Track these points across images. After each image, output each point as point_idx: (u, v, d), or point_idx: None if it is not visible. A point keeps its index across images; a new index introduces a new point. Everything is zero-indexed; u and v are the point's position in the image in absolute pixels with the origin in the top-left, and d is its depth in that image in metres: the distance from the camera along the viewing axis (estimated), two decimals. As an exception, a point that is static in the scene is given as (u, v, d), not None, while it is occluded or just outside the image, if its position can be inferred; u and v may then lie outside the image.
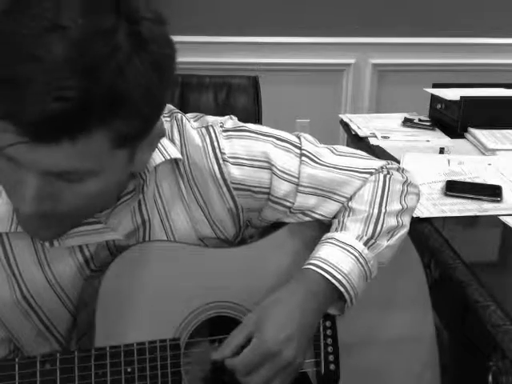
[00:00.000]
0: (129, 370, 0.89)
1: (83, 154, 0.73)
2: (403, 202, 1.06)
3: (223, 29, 3.04)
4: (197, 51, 2.91)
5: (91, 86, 0.69)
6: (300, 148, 1.02)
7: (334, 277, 0.96)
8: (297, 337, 0.93)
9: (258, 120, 1.80)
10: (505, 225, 1.44)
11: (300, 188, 1.01)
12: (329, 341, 1.05)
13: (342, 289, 0.96)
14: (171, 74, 0.80)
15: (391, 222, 1.03)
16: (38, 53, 0.68)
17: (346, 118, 2.20)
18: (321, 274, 0.96)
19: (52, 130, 0.69)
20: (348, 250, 0.98)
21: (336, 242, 0.99)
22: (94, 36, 0.70)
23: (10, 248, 0.92)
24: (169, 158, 0.94)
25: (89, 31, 0.70)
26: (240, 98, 1.82)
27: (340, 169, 1.04)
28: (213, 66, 2.93)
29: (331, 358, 1.04)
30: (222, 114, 1.06)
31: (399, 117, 2.18)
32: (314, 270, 0.97)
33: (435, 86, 2.22)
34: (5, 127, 0.70)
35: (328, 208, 1.04)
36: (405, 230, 1.06)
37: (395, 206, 1.05)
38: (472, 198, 1.55)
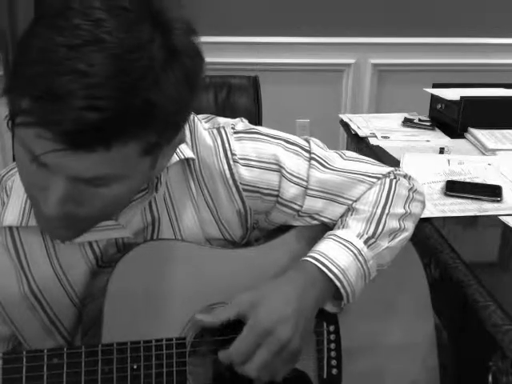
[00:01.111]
0: (135, 366, 0.89)
1: (116, 161, 0.74)
2: (407, 207, 1.06)
3: (223, 29, 3.04)
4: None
5: (128, 97, 0.70)
6: (309, 152, 1.03)
7: (329, 270, 0.96)
8: (292, 319, 0.92)
9: (258, 120, 1.80)
10: (505, 225, 1.44)
11: (309, 191, 1.02)
12: (332, 345, 1.05)
13: (337, 283, 0.96)
14: (200, 84, 0.81)
15: (393, 224, 1.03)
16: (78, 66, 0.68)
17: (346, 118, 2.20)
18: (317, 267, 0.96)
19: (87, 139, 0.70)
20: (347, 247, 0.98)
21: (336, 238, 0.99)
22: (132, 49, 0.70)
23: (20, 242, 0.94)
24: (183, 157, 0.96)
25: (127, 46, 0.70)
26: (240, 98, 1.82)
27: (348, 173, 1.05)
28: (213, 66, 2.93)
29: (334, 362, 1.04)
30: (222, 114, 1.06)
31: (399, 117, 2.18)
32: (311, 262, 0.97)
33: (435, 85, 2.22)
34: (42, 134, 0.71)
35: (335, 211, 1.05)
36: (406, 234, 1.06)
37: (398, 210, 1.05)
38: (472, 198, 1.55)
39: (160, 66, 0.72)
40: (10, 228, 0.93)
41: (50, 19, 0.72)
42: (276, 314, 0.92)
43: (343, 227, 1.02)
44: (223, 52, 3.04)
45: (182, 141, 0.89)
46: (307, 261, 0.98)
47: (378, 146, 1.94)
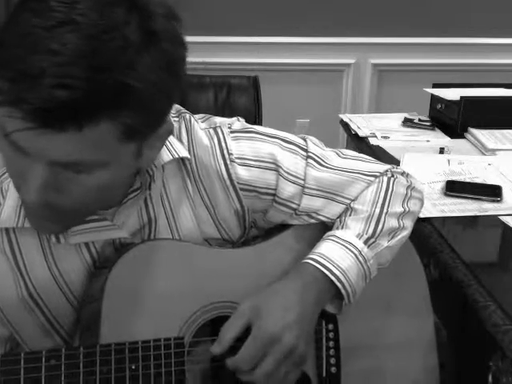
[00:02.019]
0: (133, 367, 0.89)
1: (90, 144, 0.74)
2: (405, 205, 1.06)
3: (223, 29, 3.04)
4: (197, 51, 2.91)
5: (99, 77, 0.70)
6: (306, 150, 1.03)
7: (331, 272, 0.96)
8: (296, 325, 0.92)
9: (258, 120, 1.80)
10: (505, 225, 1.44)
11: (306, 190, 1.02)
12: (331, 343, 1.04)
13: (338, 284, 0.96)
14: (181, 71, 0.80)
15: (392, 222, 1.03)
16: (50, 46, 0.69)
17: (346, 117, 2.20)
18: (318, 269, 0.96)
19: (58, 117, 0.70)
20: (347, 247, 0.98)
21: (336, 239, 0.99)
22: (105, 30, 0.71)
23: (17, 243, 0.93)
24: (177, 156, 0.95)
25: (101, 26, 0.71)
26: (240, 98, 1.82)
27: (345, 171, 1.05)
28: (213, 66, 2.93)
29: (333, 360, 1.04)
30: (222, 114, 1.06)
31: (399, 117, 2.18)
32: (311, 264, 0.97)
33: (435, 85, 2.22)
34: (13, 113, 0.71)
35: (333, 210, 1.04)
36: (406, 233, 1.06)
37: (397, 208, 1.05)
38: (472, 198, 1.55)
39: (135, 48, 0.72)
40: (7, 229, 0.92)
41: (28, 3, 0.73)
42: (280, 321, 0.92)
43: (342, 228, 1.01)
44: (223, 52, 3.04)
45: (170, 133, 0.88)
46: (308, 263, 0.98)
47: (377, 146, 1.94)
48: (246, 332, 0.93)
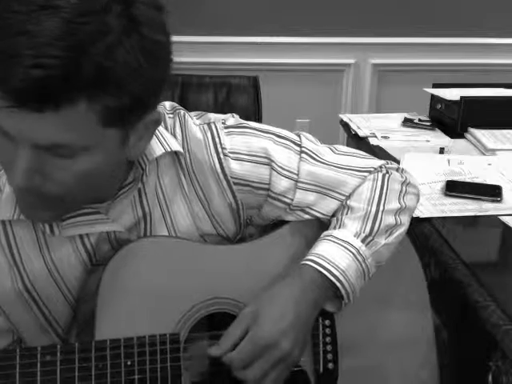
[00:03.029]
0: (129, 362, 0.89)
1: (69, 126, 0.75)
2: (402, 201, 1.06)
3: (223, 29, 3.04)
4: (197, 51, 2.91)
5: (75, 58, 0.71)
6: (300, 145, 1.04)
7: (330, 272, 0.97)
8: (293, 330, 0.93)
9: (258, 120, 1.80)
10: (505, 225, 1.44)
11: (299, 184, 1.02)
12: (328, 339, 1.05)
13: (338, 284, 0.97)
14: (164, 59, 0.82)
15: (389, 220, 1.03)
16: (28, 28, 0.71)
17: (346, 117, 2.20)
18: (317, 270, 0.97)
19: (35, 97, 0.72)
20: (345, 247, 0.99)
21: (333, 239, 0.99)
22: (85, 16, 0.73)
23: (13, 236, 0.94)
24: (169, 150, 0.96)
25: (80, 11, 0.72)
26: (240, 98, 1.82)
27: (339, 167, 1.05)
28: (213, 66, 2.93)
29: (330, 356, 1.05)
30: (222, 114, 1.06)
31: (399, 117, 2.18)
32: (310, 266, 0.97)
33: (435, 85, 2.22)
34: None
35: (327, 206, 1.05)
36: (403, 229, 1.06)
37: (393, 205, 1.05)
38: (472, 198, 1.55)
39: (116, 34, 0.74)
40: (3, 222, 0.93)
41: None
42: (276, 328, 0.93)
43: (339, 227, 1.02)
44: (223, 52, 3.04)
45: (158, 123, 0.88)
46: (306, 264, 0.98)
47: (378, 146, 1.94)
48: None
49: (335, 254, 0.98)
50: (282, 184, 1.01)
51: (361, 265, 0.99)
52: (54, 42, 0.71)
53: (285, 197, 1.02)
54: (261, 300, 0.96)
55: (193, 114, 1.04)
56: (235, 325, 0.95)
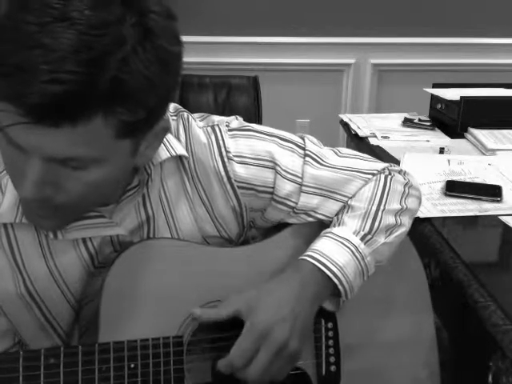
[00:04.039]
0: (132, 365, 0.89)
1: (85, 140, 0.74)
2: (403, 202, 1.06)
3: (223, 29, 3.04)
4: (197, 51, 2.91)
5: (93, 72, 0.70)
6: (304, 149, 1.03)
7: (328, 268, 0.96)
8: (290, 320, 0.92)
9: (258, 120, 1.80)
10: (505, 225, 1.44)
11: (303, 188, 1.02)
12: (330, 342, 1.05)
13: (335, 280, 0.97)
14: (177, 68, 0.81)
15: (389, 219, 1.03)
16: (45, 41, 0.70)
17: (346, 117, 2.20)
18: (315, 265, 0.97)
19: (52, 113, 0.71)
20: (344, 244, 0.98)
21: (332, 236, 0.99)
22: (100, 28, 0.71)
23: (15, 239, 0.93)
24: (174, 154, 0.95)
25: (95, 22, 0.71)
26: (240, 98, 1.82)
27: (343, 170, 1.05)
28: (213, 66, 2.93)
29: (332, 359, 1.04)
30: (222, 114, 1.06)
31: (399, 117, 2.18)
32: (308, 261, 0.97)
33: (435, 85, 2.22)
34: (7, 108, 0.71)
35: (330, 208, 1.05)
36: (403, 230, 1.06)
37: (394, 206, 1.05)
38: (472, 198, 1.55)
39: (130, 45, 0.73)
40: (5, 225, 0.93)
41: (23, 0, 0.73)
42: (272, 315, 0.92)
43: (339, 225, 1.02)
44: (223, 52, 3.04)
45: (167, 130, 0.88)
46: (304, 260, 0.98)
47: (377, 146, 1.94)
48: (237, 324, 0.93)
49: (333, 250, 0.98)
50: (286, 188, 1.01)
51: (359, 262, 0.99)
52: (70, 56, 0.69)
53: (289, 200, 1.02)
54: (258, 291, 0.95)
55: (196, 115, 1.03)
56: (224, 306, 0.94)
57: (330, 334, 1.05)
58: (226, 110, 1.79)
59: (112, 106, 0.73)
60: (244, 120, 1.06)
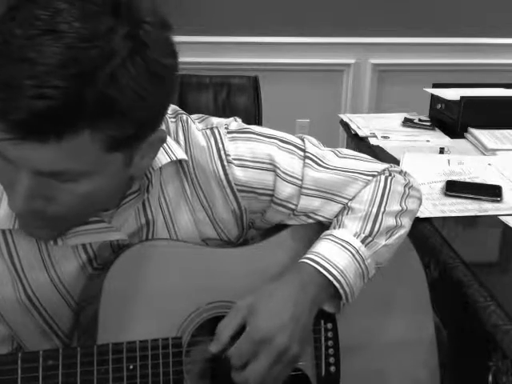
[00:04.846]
0: (131, 367, 0.89)
1: (72, 154, 0.73)
2: (403, 203, 1.06)
3: (223, 29, 3.04)
4: (197, 51, 2.91)
5: (80, 87, 0.69)
6: (304, 151, 1.03)
7: (328, 271, 0.96)
8: (290, 326, 0.92)
9: (258, 120, 1.80)
10: (505, 225, 1.44)
11: (303, 190, 1.02)
12: (330, 343, 1.04)
13: (336, 284, 0.96)
14: (171, 81, 0.79)
15: (390, 221, 1.03)
16: (30, 55, 0.68)
17: (346, 117, 2.20)
18: (315, 268, 0.96)
19: (38, 129, 0.70)
20: (344, 246, 0.98)
21: (333, 239, 0.99)
22: (89, 40, 0.70)
23: (14, 246, 0.93)
24: (174, 158, 0.94)
25: (83, 35, 0.70)
26: (240, 98, 1.82)
27: (343, 171, 1.04)
28: (213, 66, 2.93)
29: (332, 360, 1.04)
30: (222, 114, 1.06)
31: (399, 117, 2.18)
32: (308, 264, 0.97)
33: (435, 85, 2.22)
34: None
35: (330, 210, 1.04)
36: (404, 231, 1.06)
37: (395, 207, 1.05)
38: (472, 198, 1.55)
39: (120, 58, 0.71)
40: (3, 231, 0.92)
41: (12, 12, 0.72)
42: (273, 322, 0.92)
43: (339, 227, 1.01)
44: (223, 52, 3.04)
45: (163, 141, 0.87)
46: (305, 263, 0.98)
47: (377, 146, 1.94)
48: (243, 330, 0.93)
49: (334, 253, 0.97)
50: (286, 190, 1.01)
51: (360, 265, 0.99)
52: (55, 71, 0.68)
53: (289, 203, 1.02)
54: (258, 294, 0.95)
55: (194, 117, 1.02)
56: (230, 317, 0.94)
57: (330, 334, 1.05)
58: (225, 110, 1.78)
59: (99, 122, 0.72)
60: (244, 120, 1.06)
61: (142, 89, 0.73)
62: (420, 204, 1.13)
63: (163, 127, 0.93)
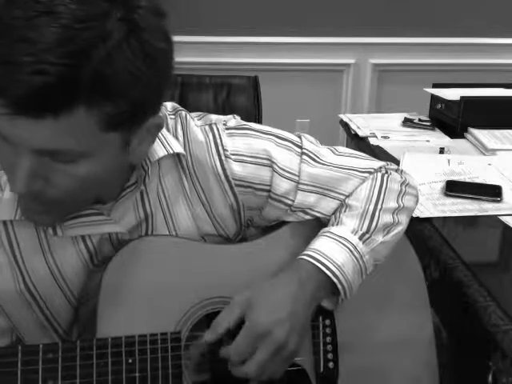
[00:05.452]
0: (130, 360, 0.90)
1: (69, 132, 0.75)
2: (400, 201, 1.07)
3: (223, 29, 3.04)
4: (197, 51, 2.91)
5: (75, 64, 0.71)
6: (301, 147, 1.04)
7: (326, 267, 0.97)
8: (288, 321, 0.93)
9: (258, 120, 1.80)
10: (505, 225, 1.44)
11: (300, 186, 1.02)
12: (328, 339, 1.05)
13: (334, 279, 0.97)
14: (166, 65, 0.82)
15: (387, 218, 1.04)
16: (29, 35, 0.71)
17: (346, 117, 2.20)
18: (314, 264, 0.97)
19: (34, 104, 0.72)
20: (342, 243, 0.99)
21: (331, 235, 1.00)
22: (85, 21, 0.72)
23: (15, 236, 0.94)
24: (172, 152, 0.96)
25: (79, 16, 0.72)
26: (240, 98, 1.82)
27: (340, 168, 1.05)
28: (213, 66, 2.93)
29: (330, 356, 1.05)
30: (222, 114, 1.07)
31: (399, 117, 2.18)
32: (307, 260, 0.98)
33: (435, 85, 2.22)
34: None
35: (327, 206, 1.05)
36: (401, 228, 1.07)
37: (391, 204, 1.05)
38: (472, 198, 1.55)
39: (116, 40, 0.74)
40: (4, 222, 0.93)
41: None
42: (272, 316, 0.93)
43: (337, 224, 1.02)
44: (223, 52, 3.04)
45: (160, 127, 0.88)
46: (303, 259, 0.98)
47: (378, 146, 1.94)
48: (240, 325, 0.93)
49: (332, 250, 0.98)
50: (283, 186, 1.01)
51: (358, 261, 0.99)
52: (53, 49, 0.71)
53: (286, 198, 1.02)
54: (257, 289, 0.96)
55: (194, 114, 1.04)
56: (228, 310, 0.94)
57: (328, 330, 1.05)
58: (225, 110, 1.78)
59: (94, 99, 0.74)
60: (244, 120, 1.07)
61: (137, 69, 0.76)
62: (417, 201, 1.13)
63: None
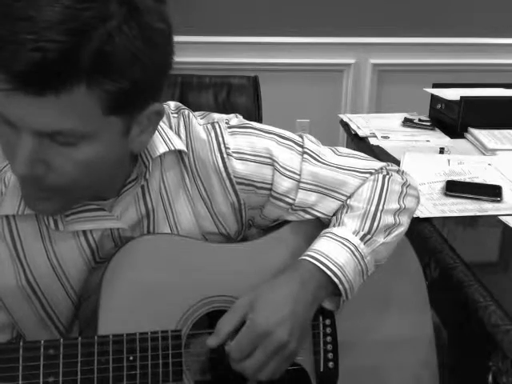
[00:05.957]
0: (131, 358, 0.90)
1: (70, 111, 0.76)
2: (401, 202, 1.07)
3: (223, 29, 3.04)
4: (197, 51, 2.91)
5: (76, 42, 0.72)
6: (302, 146, 1.04)
7: (328, 267, 0.97)
8: (289, 321, 0.93)
9: (258, 120, 1.80)
10: (505, 225, 1.45)
11: (301, 184, 1.03)
12: (328, 339, 1.05)
13: (336, 280, 0.97)
14: (164, 46, 0.82)
15: (388, 219, 1.04)
16: (31, 13, 0.72)
17: (346, 117, 2.20)
18: (315, 265, 0.97)
19: (36, 80, 0.73)
20: (344, 244, 0.99)
21: (332, 236, 1.00)
22: (86, 2, 0.74)
23: (17, 231, 0.95)
24: (173, 148, 0.97)
25: None
26: (240, 98, 1.82)
27: (341, 168, 1.06)
28: (213, 66, 2.93)
29: (330, 355, 1.05)
30: (223, 114, 1.07)
31: (399, 117, 2.18)
32: (308, 261, 0.98)
33: (435, 85, 2.22)
34: None
35: (328, 206, 1.05)
36: (402, 229, 1.07)
37: (393, 205, 1.06)
38: (472, 198, 1.55)
39: (116, 21, 0.75)
40: (7, 217, 0.94)
41: None
42: (273, 316, 0.93)
43: (339, 225, 1.02)
44: (223, 52, 3.04)
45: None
46: (304, 259, 0.98)
47: (378, 146, 1.94)
48: (242, 325, 0.94)
49: (333, 251, 0.98)
50: (284, 184, 1.02)
51: (359, 262, 0.99)
52: (54, 26, 0.72)
53: (287, 197, 1.03)
54: (259, 290, 0.96)
55: (197, 113, 1.05)
56: (231, 313, 0.95)
57: (328, 330, 1.05)
58: (226, 110, 1.79)
59: (94, 75, 0.75)
60: (242, 117, 1.07)
61: (137, 49, 0.77)
62: (418, 203, 1.14)
63: (164, 119, 0.97)
